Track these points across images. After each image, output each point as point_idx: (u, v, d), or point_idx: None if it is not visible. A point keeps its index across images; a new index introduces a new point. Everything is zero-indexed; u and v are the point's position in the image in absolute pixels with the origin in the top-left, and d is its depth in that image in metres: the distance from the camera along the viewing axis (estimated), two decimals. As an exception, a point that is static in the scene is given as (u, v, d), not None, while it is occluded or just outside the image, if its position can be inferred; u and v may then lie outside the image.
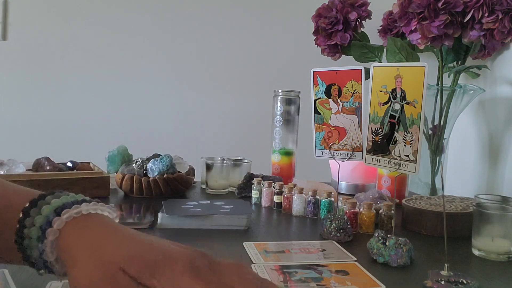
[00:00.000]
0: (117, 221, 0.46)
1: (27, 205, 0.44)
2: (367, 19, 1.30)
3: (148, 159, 1.13)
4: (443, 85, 1.16)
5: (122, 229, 0.43)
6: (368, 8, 1.29)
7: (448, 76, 1.18)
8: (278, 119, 1.24)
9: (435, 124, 1.18)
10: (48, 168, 1.10)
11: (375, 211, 0.89)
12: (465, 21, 1.03)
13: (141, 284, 0.38)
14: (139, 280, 0.38)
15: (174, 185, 1.11)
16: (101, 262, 0.40)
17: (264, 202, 1.06)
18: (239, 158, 1.28)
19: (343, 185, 1.23)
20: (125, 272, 0.39)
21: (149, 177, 1.10)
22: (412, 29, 1.05)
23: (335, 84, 0.98)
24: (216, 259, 0.40)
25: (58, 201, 0.44)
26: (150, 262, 0.39)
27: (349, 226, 0.83)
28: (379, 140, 0.88)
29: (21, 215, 0.44)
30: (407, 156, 0.82)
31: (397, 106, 0.84)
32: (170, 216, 0.87)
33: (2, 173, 1.05)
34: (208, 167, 1.19)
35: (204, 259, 0.40)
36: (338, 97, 0.98)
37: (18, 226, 0.43)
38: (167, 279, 0.37)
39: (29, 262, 0.44)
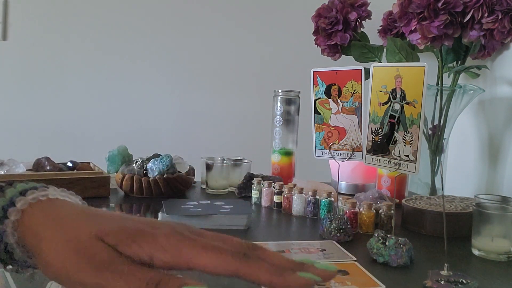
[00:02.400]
0: None
1: None
2: (367, 19, 1.30)
3: (148, 159, 1.14)
4: (443, 85, 1.16)
5: (96, 209, 0.41)
6: (368, 8, 1.29)
7: (448, 76, 1.18)
8: (278, 119, 1.24)
9: (435, 124, 1.18)
10: (48, 168, 1.10)
11: (375, 211, 0.89)
12: (465, 21, 1.03)
13: (122, 252, 0.35)
14: (119, 248, 0.36)
15: (174, 185, 1.11)
16: (74, 235, 0.37)
17: (264, 202, 1.06)
18: (239, 158, 1.28)
19: (343, 185, 1.23)
20: (104, 241, 0.36)
21: (149, 177, 1.10)
22: (412, 29, 1.05)
23: (335, 84, 0.98)
24: (197, 228, 0.39)
25: (25, 185, 0.42)
26: (129, 230, 0.37)
27: (349, 226, 0.83)
28: (379, 140, 0.88)
29: None
30: (407, 156, 0.82)
31: (397, 106, 0.84)
32: (170, 216, 0.87)
33: (2, 173, 1.05)
34: (208, 167, 1.19)
35: (186, 227, 0.38)
36: (338, 97, 0.98)
37: None
38: (149, 244, 0.36)
39: None
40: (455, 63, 1.18)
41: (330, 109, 0.99)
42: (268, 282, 0.35)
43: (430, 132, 1.19)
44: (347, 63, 1.25)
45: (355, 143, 0.97)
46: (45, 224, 0.38)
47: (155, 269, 0.35)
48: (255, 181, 1.10)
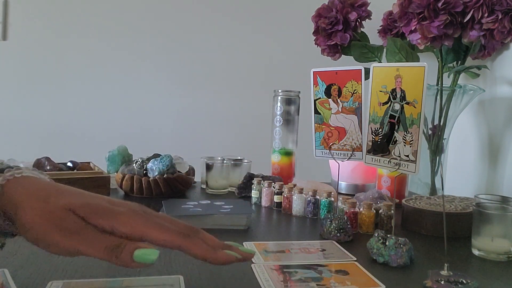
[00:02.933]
0: None
1: None
2: (367, 19, 1.30)
3: (148, 159, 1.14)
4: (443, 85, 1.16)
5: (66, 186, 0.49)
6: (368, 8, 1.29)
7: (448, 76, 1.18)
8: (278, 119, 1.24)
9: (435, 124, 1.18)
10: (48, 168, 1.10)
11: (375, 211, 0.89)
12: (465, 21, 1.03)
13: (90, 223, 0.44)
14: (86, 219, 0.44)
15: (174, 185, 1.11)
16: (46, 206, 0.44)
17: (264, 202, 1.06)
18: (239, 158, 1.28)
19: (343, 185, 1.23)
20: (75, 213, 0.44)
21: (149, 177, 1.10)
22: (412, 29, 1.06)
23: (335, 84, 0.98)
24: (151, 209, 0.50)
25: (1, 165, 0.50)
26: (95, 205, 0.46)
27: (349, 226, 0.83)
28: (379, 140, 0.88)
29: None
30: (407, 156, 0.82)
31: (397, 106, 0.84)
32: (170, 216, 0.86)
33: (2, 173, 1.05)
34: (208, 167, 1.19)
35: (141, 206, 0.49)
36: (338, 97, 0.98)
37: None
38: (111, 218, 0.45)
39: None
40: (455, 63, 1.18)
41: (330, 109, 0.99)
42: (202, 256, 0.46)
43: (430, 132, 1.19)
44: (347, 63, 1.25)
45: (355, 143, 0.97)
46: (21, 195, 0.46)
47: (115, 237, 0.44)
48: (255, 181, 1.10)
